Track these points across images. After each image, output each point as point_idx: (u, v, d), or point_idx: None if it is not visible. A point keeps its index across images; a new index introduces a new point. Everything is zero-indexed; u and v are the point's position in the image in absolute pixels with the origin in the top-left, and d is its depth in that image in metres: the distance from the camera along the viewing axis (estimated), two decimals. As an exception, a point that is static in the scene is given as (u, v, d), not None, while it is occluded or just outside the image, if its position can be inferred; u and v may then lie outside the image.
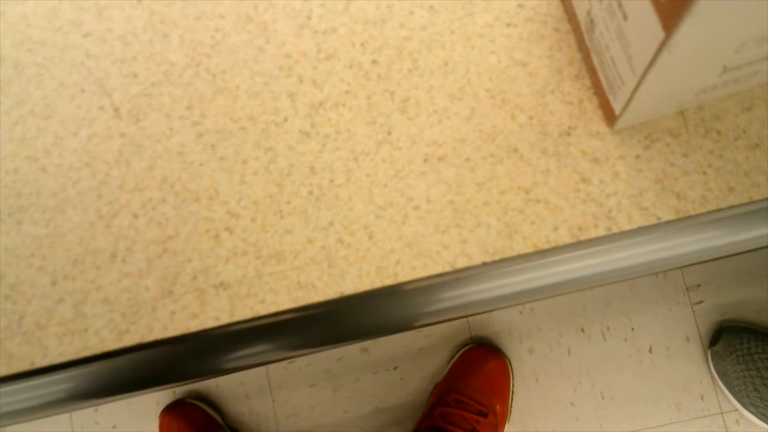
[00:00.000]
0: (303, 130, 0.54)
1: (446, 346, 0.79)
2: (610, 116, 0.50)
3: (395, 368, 0.81)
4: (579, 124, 0.52)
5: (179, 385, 0.61)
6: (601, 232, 0.50)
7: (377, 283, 0.52)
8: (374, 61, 0.54)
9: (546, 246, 0.51)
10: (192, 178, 0.54)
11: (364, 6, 0.56)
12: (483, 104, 0.53)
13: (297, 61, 0.55)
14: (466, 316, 0.57)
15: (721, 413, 0.80)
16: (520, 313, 0.76)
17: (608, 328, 0.78)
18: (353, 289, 0.52)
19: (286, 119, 0.54)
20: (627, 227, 0.50)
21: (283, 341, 0.55)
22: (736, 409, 0.74)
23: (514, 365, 0.79)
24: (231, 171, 0.54)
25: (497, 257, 0.51)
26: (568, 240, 0.50)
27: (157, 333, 0.52)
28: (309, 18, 0.56)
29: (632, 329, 0.78)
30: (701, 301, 0.77)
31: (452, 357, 0.79)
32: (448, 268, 0.52)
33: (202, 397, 0.84)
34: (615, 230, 0.50)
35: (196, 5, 0.56)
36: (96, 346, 0.53)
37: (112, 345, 0.53)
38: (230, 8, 0.56)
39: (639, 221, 0.50)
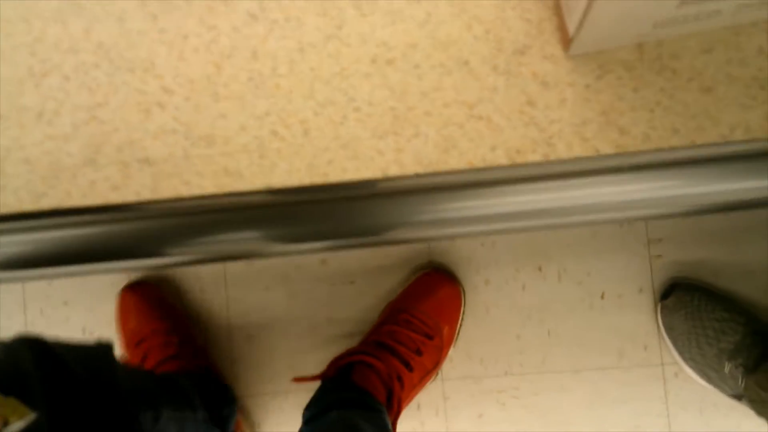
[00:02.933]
0: (251, 12, 0.52)
1: (404, 268, 0.78)
2: (567, 40, 0.48)
3: (352, 282, 0.80)
4: (535, 44, 0.50)
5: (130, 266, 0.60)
6: (537, 157, 0.49)
7: (306, 180, 0.51)
8: (334, -51, 0.52)
9: (481, 164, 0.49)
10: (129, 47, 0.52)
11: None
12: (440, 10, 0.50)
13: (254, -62, 0.52)
14: (433, 239, 0.55)
15: (662, 365, 0.81)
16: (482, 245, 0.75)
17: (565, 270, 0.78)
18: (281, 182, 0.51)
19: (235, -2, 0.52)
20: (564, 155, 0.49)
21: (261, 231, 0.53)
22: (677, 363, 0.75)
23: (467, 295, 0.79)
24: (170, 44, 0.52)
25: (430, 170, 0.50)
26: (504, 161, 0.49)
27: (76, 200, 0.51)
28: None
29: (588, 274, 0.78)
30: (660, 256, 0.77)
31: (408, 279, 0.79)
32: (379, 174, 0.50)
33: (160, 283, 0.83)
34: (552, 157, 0.49)
35: None
36: (13, 205, 0.51)
37: (29, 206, 0.51)
38: None
39: (578, 151, 0.49)
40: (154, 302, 0.81)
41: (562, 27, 0.49)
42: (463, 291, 0.78)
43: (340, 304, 0.80)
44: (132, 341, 0.79)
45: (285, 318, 0.79)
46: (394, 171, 0.50)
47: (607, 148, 0.49)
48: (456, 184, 0.50)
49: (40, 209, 0.52)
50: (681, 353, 0.74)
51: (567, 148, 0.49)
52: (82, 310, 0.84)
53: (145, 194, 0.51)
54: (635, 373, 0.81)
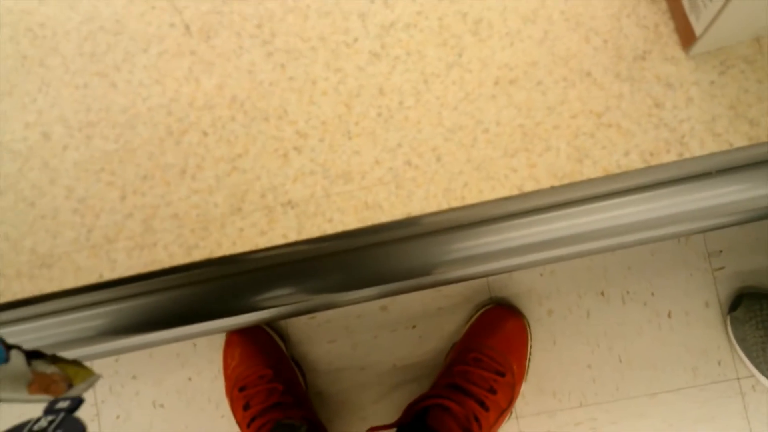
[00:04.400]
0: (373, 51, 0.54)
1: (465, 306, 0.79)
2: (686, 41, 0.50)
3: (414, 327, 0.81)
4: (654, 48, 0.51)
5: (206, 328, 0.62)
6: (672, 157, 0.50)
7: (444, 204, 0.52)
8: (447, -18, 0.54)
9: (616, 170, 0.51)
10: (261, 97, 0.54)
11: (437, -73, 0.55)
12: (557, 27, 0.52)
13: (369, -18, 0.55)
14: (490, 274, 0.57)
15: (738, 379, 0.80)
16: (541, 275, 0.76)
17: (628, 292, 0.78)
18: (420, 210, 0.52)
19: (356, 40, 0.54)
20: (699, 153, 0.50)
21: (311, 284, 0.55)
22: (753, 375, 0.74)
23: (532, 327, 0.79)
24: (300, 91, 0.54)
25: (566, 181, 0.51)
26: (639, 165, 0.50)
27: (227, 249, 0.53)
28: (381, -61, 0.55)
29: (652, 294, 0.78)
30: (722, 267, 0.77)
31: (471, 317, 0.79)
32: (515, 192, 0.52)
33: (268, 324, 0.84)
34: (687, 155, 0.50)
35: (266, -76, 0.56)
36: (165, 260, 0.53)
37: (181, 259, 0.53)
38: (301, -72, 0.56)
39: (711, 147, 0.50)
40: (259, 347, 0.82)
41: (679, 29, 0.51)
42: (528, 324, 0.78)
43: (404, 349, 0.81)
44: (236, 386, 0.81)
45: (351, 368, 0.80)
46: (529, 186, 0.51)
47: (740, 141, 0.50)
48: (506, 214, 0.52)
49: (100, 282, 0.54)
50: (756, 364, 0.73)
51: (700, 145, 0.50)
52: (150, 383, 0.86)
53: (292, 236, 0.53)
54: (712, 391, 0.79)
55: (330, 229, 0.53)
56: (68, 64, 0.55)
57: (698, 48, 0.49)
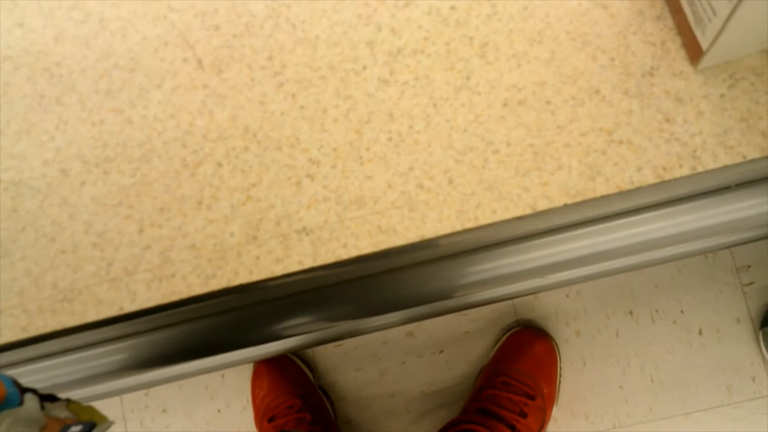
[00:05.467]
0: (382, 78, 0.55)
1: (492, 330, 0.79)
2: (694, 55, 0.50)
3: (441, 352, 0.80)
4: (662, 64, 0.51)
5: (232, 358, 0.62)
6: (685, 171, 0.50)
7: (458, 226, 0.52)
8: (453, 7, 0.55)
9: (629, 187, 0.51)
10: (273, 127, 0.55)
11: (441, -46, 0.56)
12: (563, 47, 0.53)
13: (375, 9, 0.55)
14: (515, 296, 0.57)
15: None
16: (567, 296, 0.75)
17: (657, 311, 0.77)
18: (434, 232, 0.53)
19: (365, 67, 0.55)
20: (712, 166, 0.50)
21: (334, 311, 0.56)
22: None
23: (561, 348, 0.78)
24: (311, 119, 0.55)
25: (579, 199, 0.51)
26: (652, 180, 0.50)
27: (243, 277, 0.53)
28: (386, -33, 0.56)
29: (681, 311, 0.77)
30: (752, 282, 0.76)
31: (498, 340, 0.79)
32: (528, 211, 0.52)
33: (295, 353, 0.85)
34: (700, 169, 0.50)
35: (274, -42, 0.58)
36: (183, 291, 0.54)
37: (199, 289, 0.54)
38: (308, -40, 0.57)
39: (724, 160, 0.50)
40: (287, 376, 0.82)
41: (687, 44, 0.51)
42: (557, 345, 0.77)
43: (432, 375, 0.80)
44: (265, 417, 0.81)
45: (380, 396, 0.80)
46: (542, 205, 0.51)
47: (753, 153, 0.49)
48: (528, 234, 0.52)
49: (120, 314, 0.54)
50: (791, 380, 0.71)
51: (713, 158, 0.50)
52: (180, 416, 0.86)
53: (307, 262, 0.53)
54: (747, 408, 0.77)
55: (345, 254, 0.53)
56: (85, 101, 0.57)
57: (706, 62, 0.49)
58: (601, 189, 0.51)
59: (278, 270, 0.53)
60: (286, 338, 0.56)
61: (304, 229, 0.53)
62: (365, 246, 0.53)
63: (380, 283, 0.55)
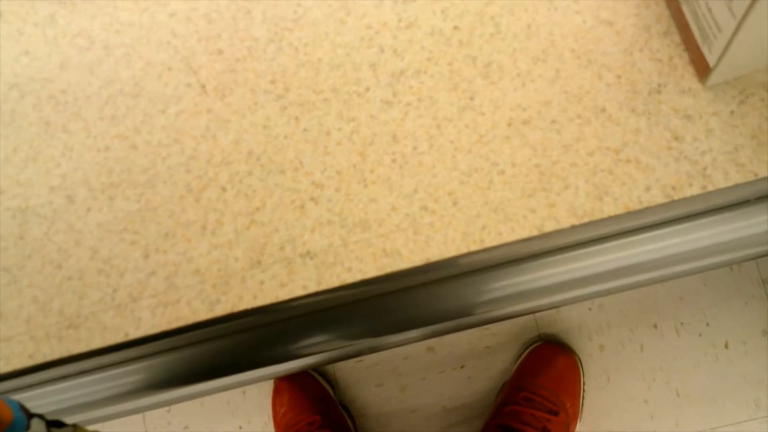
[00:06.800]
0: (385, 99, 0.54)
1: (514, 344, 0.77)
2: (702, 72, 0.49)
3: (462, 367, 0.79)
4: (669, 81, 0.50)
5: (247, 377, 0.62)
6: (696, 190, 0.49)
7: (463, 249, 0.52)
8: (455, 27, 0.54)
9: (638, 207, 0.50)
10: (277, 151, 0.55)
11: (443, -26, 0.56)
12: (568, 65, 0.52)
13: (378, 32, 0.55)
14: (536, 311, 0.56)
15: None
16: (589, 309, 0.74)
17: (682, 324, 0.75)
18: (439, 255, 0.52)
19: (368, 89, 0.55)
20: (723, 185, 0.49)
21: (350, 330, 0.55)
22: None
23: (584, 363, 0.76)
24: (315, 142, 0.54)
25: (586, 220, 0.50)
26: (661, 200, 0.49)
27: (248, 302, 0.53)
28: (388, -12, 0.56)
29: (707, 324, 0.75)
30: None
31: (520, 355, 0.78)
32: (535, 232, 0.51)
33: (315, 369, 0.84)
34: (710, 188, 0.49)
35: (276, -19, 0.58)
36: (188, 317, 0.54)
37: (203, 315, 0.53)
38: (310, -17, 0.57)
39: (736, 178, 0.48)
40: (307, 392, 0.82)
41: (694, 60, 0.50)
42: (579, 360, 0.75)
43: (453, 390, 0.79)
44: (285, 433, 0.80)
45: (401, 411, 0.79)
46: (549, 227, 0.51)
47: (765, 171, 0.48)
48: (547, 250, 0.51)
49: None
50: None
51: (724, 176, 0.49)
52: None
53: (312, 287, 0.52)
54: None
55: (349, 278, 0.52)
56: (90, 128, 0.57)
57: (715, 78, 0.48)
58: (609, 209, 0.50)
59: (282, 295, 0.53)
60: (304, 357, 0.56)
61: (308, 253, 0.53)
62: (370, 270, 0.52)
63: (399, 301, 0.54)
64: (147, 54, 0.58)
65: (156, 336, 0.54)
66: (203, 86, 0.56)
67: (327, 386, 0.84)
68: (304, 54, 0.56)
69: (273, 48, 0.56)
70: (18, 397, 0.58)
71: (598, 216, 0.50)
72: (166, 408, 0.85)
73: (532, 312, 0.61)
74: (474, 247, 0.51)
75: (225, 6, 0.57)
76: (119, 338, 0.55)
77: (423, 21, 0.55)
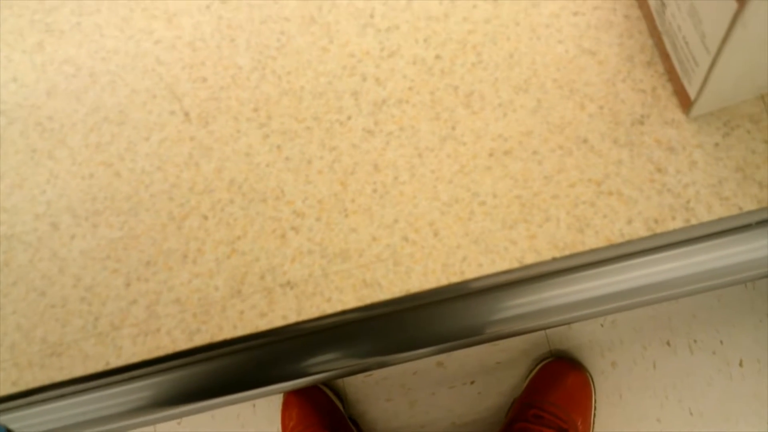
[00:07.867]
0: (367, 128, 0.54)
1: (524, 360, 0.76)
2: (685, 103, 0.48)
3: (472, 383, 0.78)
4: (652, 112, 0.50)
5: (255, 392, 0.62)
6: (678, 224, 0.48)
7: (443, 280, 0.51)
8: (437, 56, 0.54)
9: (620, 240, 0.49)
10: (259, 179, 0.55)
11: (427, 2, 0.55)
12: (550, 95, 0.51)
13: (360, 60, 0.55)
14: (547, 327, 0.55)
15: None
16: (601, 326, 0.73)
17: (695, 341, 0.74)
18: (419, 286, 0.51)
19: (349, 118, 0.54)
20: (707, 218, 0.48)
21: (360, 348, 0.55)
22: None
23: (596, 380, 0.75)
24: (296, 171, 0.54)
25: (567, 252, 0.50)
26: (643, 233, 0.48)
27: (227, 332, 0.53)
28: (372, 17, 0.56)
29: (721, 342, 0.74)
30: None
31: (531, 371, 0.77)
32: (516, 264, 0.50)
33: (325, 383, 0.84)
34: (694, 222, 0.48)
35: (261, 9, 0.57)
36: (168, 346, 0.54)
37: (183, 345, 0.53)
38: (295, 10, 0.57)
39: (719, 212, 0.48)
40: (316, 407, 0.82)
41: (678, 91, 0.49)
42: (591, 377, 0.74)
43: (463, 406, 0.78)
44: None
45: (410, 427, 0.78)
46: (530, 259, 0.50)
47: (749, 205, 0.47)
48: (557, 270, 0.50)
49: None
50: (835, 411, 0.68)
51: (707, 210, 0.48)
52: None
53: (291, 317, 0.52)
54: None
55: (329, 308, 0.52)
56: (75, 155, 0.57)
57: (697, 110, 0.48)
58: (591, 242, 0.49)
59: (262, 325, 0.53)
60: (312, 375, 0.55)
61: (288, 282, 0.53)
62: (349, 300, 0.52)
63: (409, 320, 0.53)
64: (132, 81, 0.58)
65: (136, 365, 0.54)
66: (187, 114, 0.56)
67: (336, 400, 0.83)
68: (287, 82, 0.56)
69: (256, 76, 0.56)
70: (2, 418, 0.59)
71: (579, 248, 0.49)
72: (177, 420, 0.85)
73: (544, 328, 0.61)
74: (454, 279, 0.51)
75: (209, 34, 0.57)
76: (100, 367, 0.55)
77: (405, 50, 0.54)
